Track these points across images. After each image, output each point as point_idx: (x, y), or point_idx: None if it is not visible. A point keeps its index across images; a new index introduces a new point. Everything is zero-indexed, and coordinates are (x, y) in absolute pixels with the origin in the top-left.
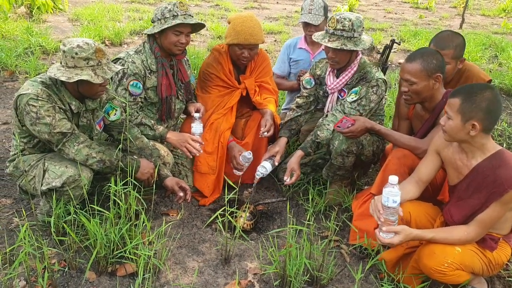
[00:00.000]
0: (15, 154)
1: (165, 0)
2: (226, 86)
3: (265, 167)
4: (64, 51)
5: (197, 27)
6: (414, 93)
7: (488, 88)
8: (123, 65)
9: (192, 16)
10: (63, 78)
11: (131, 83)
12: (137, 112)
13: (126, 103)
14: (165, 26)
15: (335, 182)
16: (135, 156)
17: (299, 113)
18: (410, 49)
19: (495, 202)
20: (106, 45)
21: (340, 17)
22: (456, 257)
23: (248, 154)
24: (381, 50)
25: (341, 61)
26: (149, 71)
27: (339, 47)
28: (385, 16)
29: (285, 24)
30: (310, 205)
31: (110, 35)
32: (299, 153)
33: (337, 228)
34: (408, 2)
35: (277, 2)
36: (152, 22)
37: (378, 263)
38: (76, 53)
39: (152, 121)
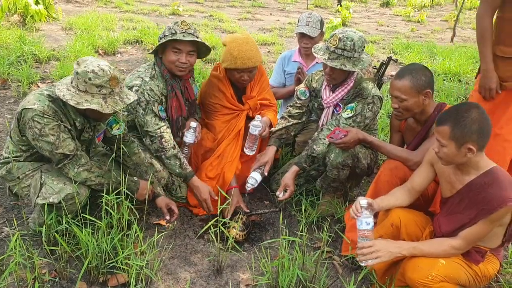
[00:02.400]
0: (8, 158)
1: (159, 10)
2: (232, 111)
3: (255, 179)
4: (77, 73)
5: (203, 49)
6: (404, 110)
7: (473, 107)
8: (141, 92)
9: (195, 36)
10: (71, 103)
11: (159, 107)
12: (173, 141)
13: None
14: (162, 41)
15: (328, 193)
16: (134, 178)
17: (290, 123)
18: (402, 61)
19: (484, 219)
20: (99, 54)
21: (342, 36)
22: (441, 270)
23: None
24: (377, 66)
25: (337, 78)
26: (164, 96)
27: (338, 67)
28: (377, 29)
29: (279, 36)
30: (302, 216)
31: (104, 44)
32: (294, 168)
33: (330, 239)
34: (400, 15)
35: (271, 14)
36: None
37: (369, 274)
38: (90, 79)
39: (184, 159)
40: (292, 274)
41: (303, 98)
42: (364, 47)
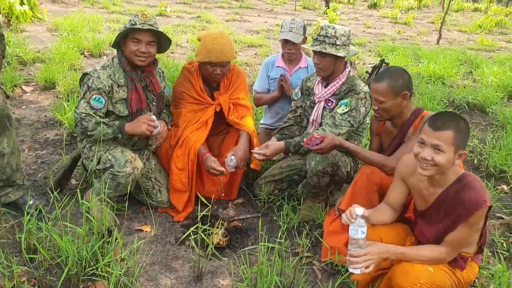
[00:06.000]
0: None
1: (146, 11)
2: (199, 102)
3: (233, 160)
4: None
5: (164, 41)
6: (383, 111)
7: (457, 115)
8: (88, 79)
9: (154, 26)
10: None
11: (93, 97)
12: (91, 119)
13: (85, 115)
14: (120, 32)
15: (309, 198)
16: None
17: (291, 123)
18: (388, 64)
19: (463, 224)
20: (85, 56)
21: (324, 25)
22: (429, 277)
23: (231, 161)
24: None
25: (325, 68)
26: (117, 85)
27: (318, 49)
28: (364, 31)
29: (266, 37)
30: (283, 221)
31: (90, 46)
32: (282, 144)
33: (309, 244)
34: (387, 17)
35: (259, 15)
36: None
37: (348, 279)
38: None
39: (106, 119)
40: (270, 280)
41: (296, 98)
42: (349, 38)
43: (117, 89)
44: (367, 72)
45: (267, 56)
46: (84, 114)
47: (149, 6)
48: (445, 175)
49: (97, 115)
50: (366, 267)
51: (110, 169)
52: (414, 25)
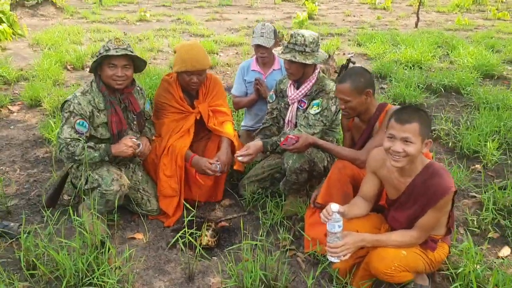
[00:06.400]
0: None
1: (126, 18)
2: (180, 112)
3: (216, 165)
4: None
5: (139, 63)
6: (350, 109)
7: (419, 109)
8: (68, 105)
9: (128, 50)
10: None
11: (78, 121)
12: (77, 144)
13: (70, 140)
14: (96, 59)
15: (291, 194)
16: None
17: (270, 123)
18: (367, 53)
19: (432, 209)
20: (68, 70)
21: (294, 32)
22: (402, 260)
23: (215, 167)
24: (336, 59)
25: (295, 72)
26: (97, 110)
27: (288, 58)
28: (344, 20)
29: (246, 35)
30: (267, 218)
31: (72, 59)
32: (260, 143)
33: (292, 238)
34: (367, 3)
35: (239, 12)
36: None
37: (328, 267)
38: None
39: (92, 143)
40: (255, 274)
41: (271, 101)
42: (318, 44)
43: (98, 114)
44: (335, 71)
45: (248, 54)
46: (69, 139)
47: (128, 12)
48: (414, 165)
49: (82, 140)
50: (344, 256)
51: (98, 188)
52: (393, 10)
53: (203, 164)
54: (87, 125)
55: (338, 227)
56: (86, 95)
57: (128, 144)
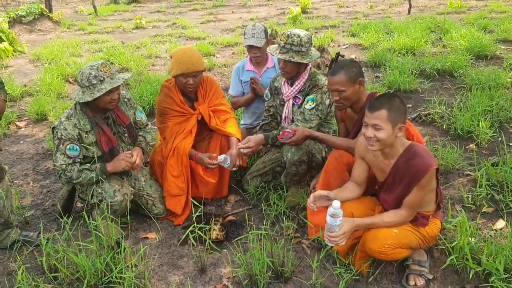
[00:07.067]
0: None
1: (122, 26)
2: (182, 114)
3: (226, 158)
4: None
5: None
6: (344, 99)
7: (394, 95)
8: (56, 132)
9: (118, 72)
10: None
11: (68, 147)
12: (73, 168)
13: (65, 166)
14: (98, 95)
15: (293, 185)
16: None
17: (270, 119)
18: (361, 43)
19: (416, 187)
20: (70, 82)
21: (290, 33)
22: (395, 238)
23: (222, 157)
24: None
25: (290, 71)
26: (84, 132)
27: (287, 59)
28: (337, 11)
29: (241, 35)
30: (271, 210)
31: (73, 72)
32: (261, 136)
33: (296, 226)
34: None
35: (233, 12)
36: (80, 86)
37: (331, 251)
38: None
39: (87, 165)
40: (262, 262)
41: (267, 99)
42: (311, 43)
43: (86, 135)
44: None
45: (244, 54)
46: (64, 165)
47: (124, 20)
48: (395, 148)
49: (77, 162)
50: (341, 242)
51: (103, 201)
52: None
53: (206, 159)
54: (77, 147)
55: (339, 221)
56: (70, 119)
57: (121, 158)
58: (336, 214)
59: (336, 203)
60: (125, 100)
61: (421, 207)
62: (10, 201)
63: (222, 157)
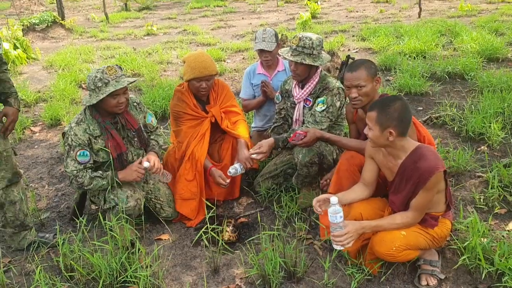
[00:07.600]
0: None
1: (134, 33)
2: (195, 118)
3: (236, 168)
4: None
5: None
6: (364, 96)
7: (397, 99)
8: (67, 138)
9: (124, 75)
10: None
11: (78, 153)
12: (85, 174)
13: (76, 172)
14: (102, 96)
15: (304, 187)
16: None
17: (281, 122)
18: (371, 47)
19: (422, 190)
20: (83, 88)
21: (302, 36)
22: (402, 240)
23: (232, 169)
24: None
25: (301, 73)
26: (94, 137)
27: (299, 61)
28: (347, 16)
29: (251, 40)
30: (283, 211)
31: (85, 78)
32: (272, 140)
33: (308, 227)
34: None
35: (243, 18)
36: (88, 90)
37: (343, 253)
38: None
39: (99, 172)
40: (275, 262)
41: (277, 101)
42: (322, 46)
43: (95, 141)
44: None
45: (254, 58)
46: (76, 171)
47: (135, 27)
48: (403, 148)
49: (88, 167)
50: (348, 243)
51: (116, 207)
52: (395, 1)
53: (218, 175)
54: (88, 153)
55: (339, 217)
56: (80, 124)
57: (133, 168)
58: (335, 210)
59: (333, 199)
60: (135, 104)
61: (430, 208)
62: (25, 204)
63: (232, 171)
